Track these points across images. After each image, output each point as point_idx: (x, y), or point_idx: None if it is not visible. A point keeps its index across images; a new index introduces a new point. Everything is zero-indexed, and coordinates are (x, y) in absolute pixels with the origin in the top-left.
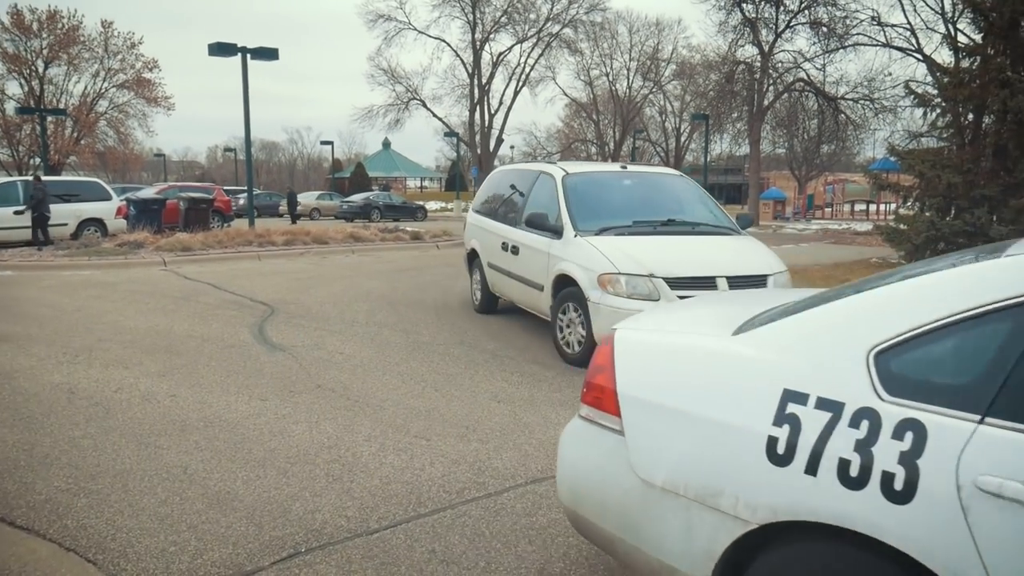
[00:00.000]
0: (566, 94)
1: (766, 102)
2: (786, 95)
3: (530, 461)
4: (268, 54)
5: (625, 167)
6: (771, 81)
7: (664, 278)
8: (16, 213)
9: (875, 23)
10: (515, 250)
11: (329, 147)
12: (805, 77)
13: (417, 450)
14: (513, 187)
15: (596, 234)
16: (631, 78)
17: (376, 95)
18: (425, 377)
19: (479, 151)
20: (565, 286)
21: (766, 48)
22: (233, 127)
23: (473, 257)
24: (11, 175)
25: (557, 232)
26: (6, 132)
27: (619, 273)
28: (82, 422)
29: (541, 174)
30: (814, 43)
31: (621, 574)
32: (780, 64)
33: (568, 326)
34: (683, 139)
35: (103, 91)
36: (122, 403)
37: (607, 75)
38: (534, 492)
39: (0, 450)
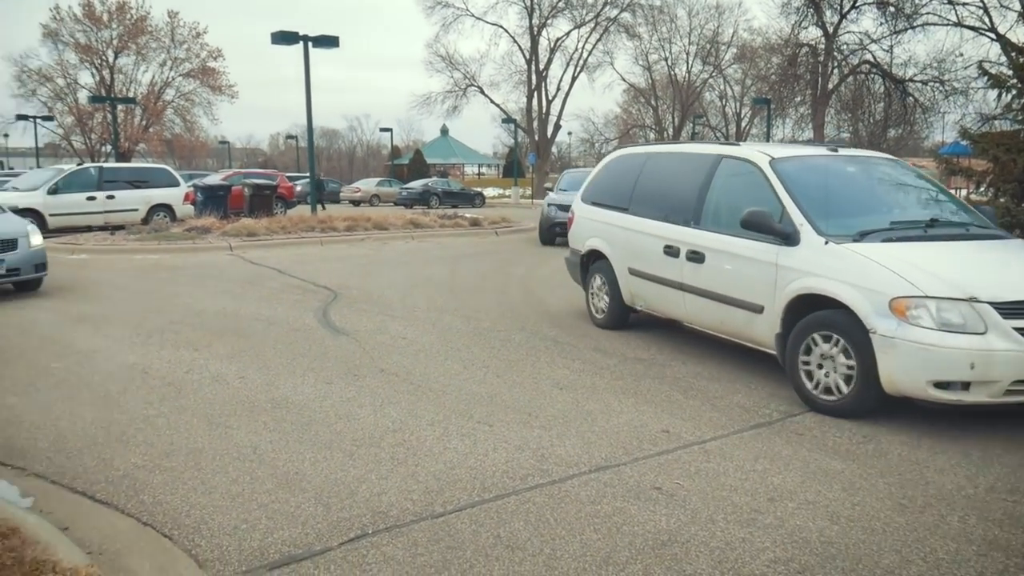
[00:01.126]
0: (624, 79)
1: (830, 85)
2: (851, 78)
3: (593, 449)
4: (329, 42)
5: (836, 149)
6: (835, 64)
7: (992, 303)
8: (89, 199)
9: (945, 2)
10: (695, 256)
11: (388, 134)
12: (871, 59)
13: (480, 435)
14: (667, 175)
15: (855, 240)
16: (690, 62)
17: (434, 82)
18: (487, 363)
19: (536, 137)
20: (811, 309)
21: (830, 30)
22: (294, 114)
23: (591, 260)
24: (84, 162)
25: (787, 237)
26: (79, 120)
27: (924, 296)
28: (156, 401)
29: (725, 159)
30: (881, 23)
31: (689, 567)
32: (845, 46)
33: (821, 364)
34: (744, 124)
35: (170, 80)
36: (193, 383)
37: (666, 59)
38: (598, 480)
39: (80, 426)
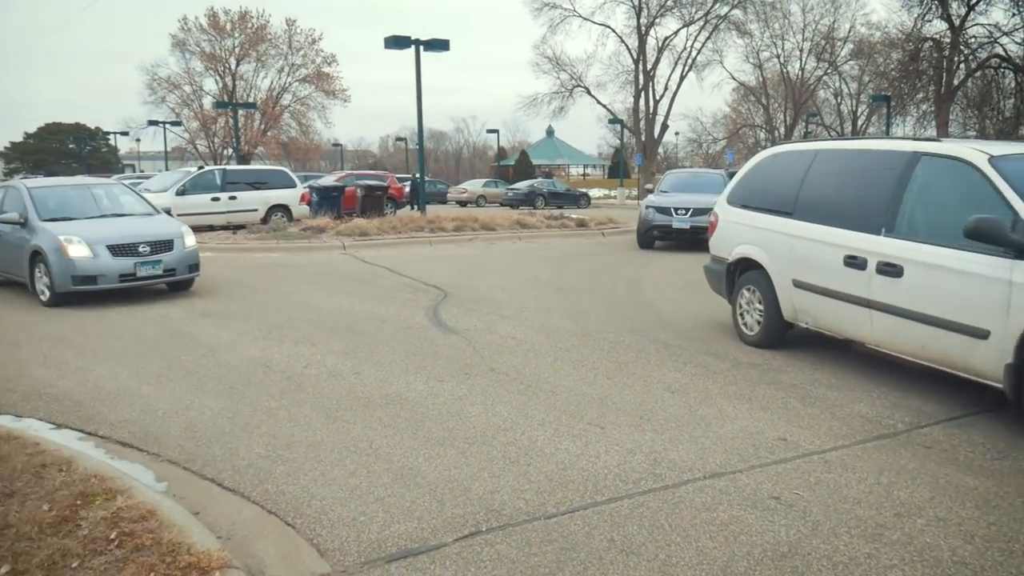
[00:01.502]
0: (734, 78)
1: (955, 81)
2: (979, 73)
3: (708, 455)
4: (440, 45)
5: None
6: (962, 58)
7: None
8: (213, 200)
9: None
10: (890, 269)
11: (494, 135)
12: (1002, 53)
13: (592, 437)
14: (845, 175)
15: None
16: (804, 59)
17: (540, 83)
18: (596, 364)
19: (643, 138)
20: None
21: (956, 22)
22: (403, 117)
23: (740, 270)
24: (207, 164)
25: (1022, 250)
26: (203, 125)
27: None
28: (277, 394)
29: (925, 157)
30: (1013, 14)
31: None
32: (973, 39)
33: None
34: (860, 122)
35: (287, 85)
36: (311, 378)
37: (778, 57)
38: (713, 487)
39: (208, 416)
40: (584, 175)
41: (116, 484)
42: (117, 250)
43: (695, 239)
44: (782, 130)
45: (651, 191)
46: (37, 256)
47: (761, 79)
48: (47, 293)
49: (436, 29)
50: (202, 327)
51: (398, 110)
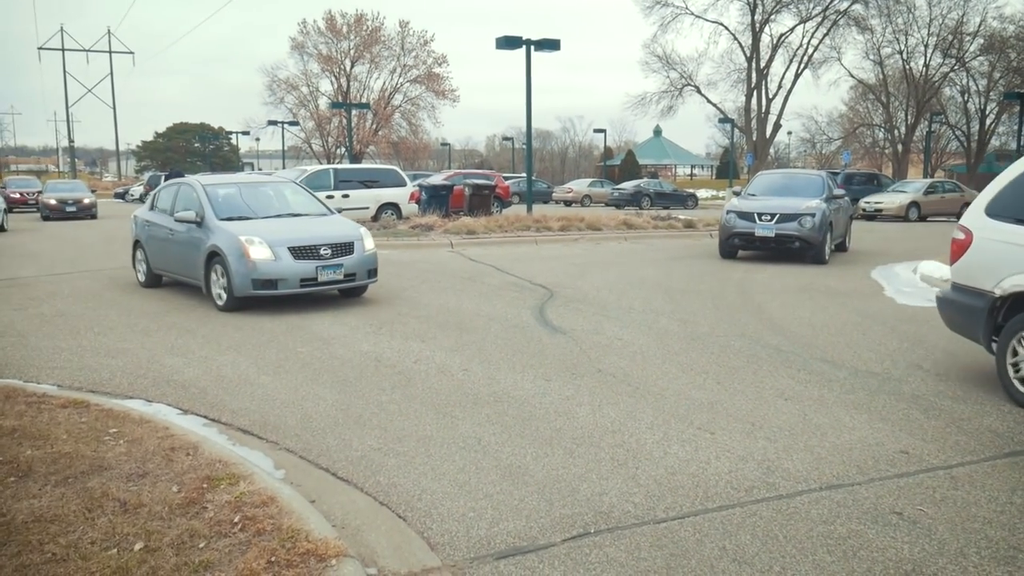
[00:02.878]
0: (852, 75)
1: None
2: None
3: (824, 465)
4: (550, 45)
5: None
6: None
7: None
8: (327, 198)
9: None
10: None
11: (600, 135)
12: None
13: (702, 443)
14: None
15: None
16: (929, 55)
17: (649, 82)
18: (706, 368)
19: (754, 137)
20: None
21: None
22: (510, 117)
23: (1013, 309)
24: (321, 163)
25: None
26: (319, 125)
27: None
28: (388, 388)
29: None
30: None
31: None
32: None
33: None
34: (988, 122)
35: (399, 86)
36: (421, 373)
37: (900, 53)
38: (830, 499)
39: (322, 407)
40: (691, 175)
41: (239, 470)
42: (299, 252)
43: (780, 249)
44: (902, 129)
45: (737, 194)
46: (214, 258)
47: (881, 76)
48: (224, 297)
49: (545, 29)
50: (317, 320)
51: (505, 110)
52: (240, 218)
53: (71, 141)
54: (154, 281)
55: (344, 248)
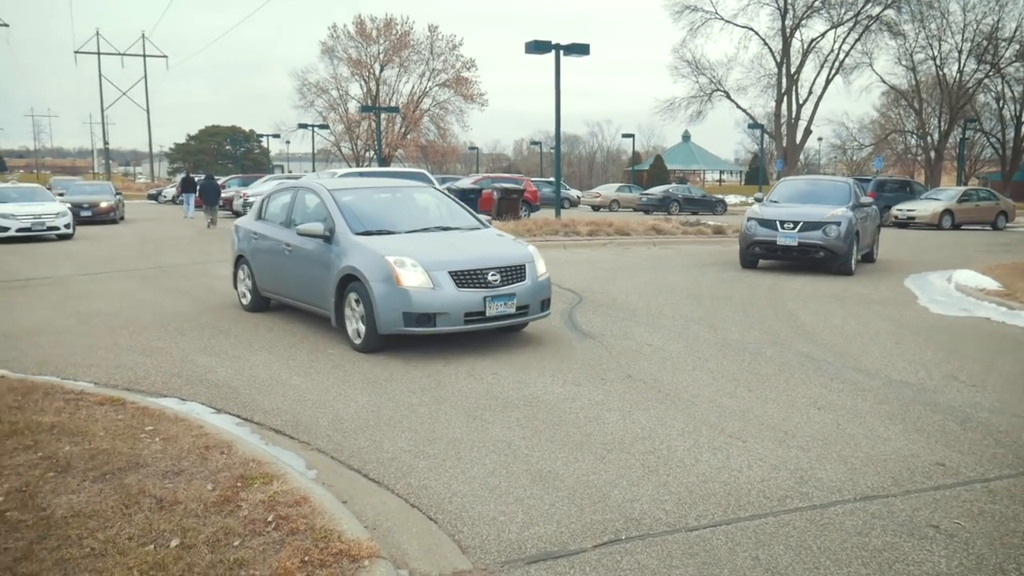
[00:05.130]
0: (884, 81)
1: None
2: None
3: (858, 476)
4: (579, 50)
5: None
6: None
7: None
8: None
9: None
10: None
11: (628, 140)
12: None
13: (733, 450)
14: None
15: None
16: (963, 61)
17: (678, 87)
18: (737, 376)
19: (784, 143)
20: None
21: None
22: (538, 120)
23: None
24: (351, 166)
25: None
26: (348, 128)
27: None
28: (418, 391)
29: None
30: None
31: None
32: None
33: None
34: None
35: (427, 90)
36: (450, 376)
37: (933, 59)
38: (865, 510)
39: (353, 409)
40: (720, 181)
41: (272, 469)
42: (463, 279)
43: (803, 259)
44: (935, 136)
45: (760, 200)
46: (350, 283)
47: (914, 82)
48: (363, 334)
49: (573, 33)
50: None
51: (533, 113)
52: (380, 232)
53: (106, 143)
54: (261, 305)
55: (514, 273)
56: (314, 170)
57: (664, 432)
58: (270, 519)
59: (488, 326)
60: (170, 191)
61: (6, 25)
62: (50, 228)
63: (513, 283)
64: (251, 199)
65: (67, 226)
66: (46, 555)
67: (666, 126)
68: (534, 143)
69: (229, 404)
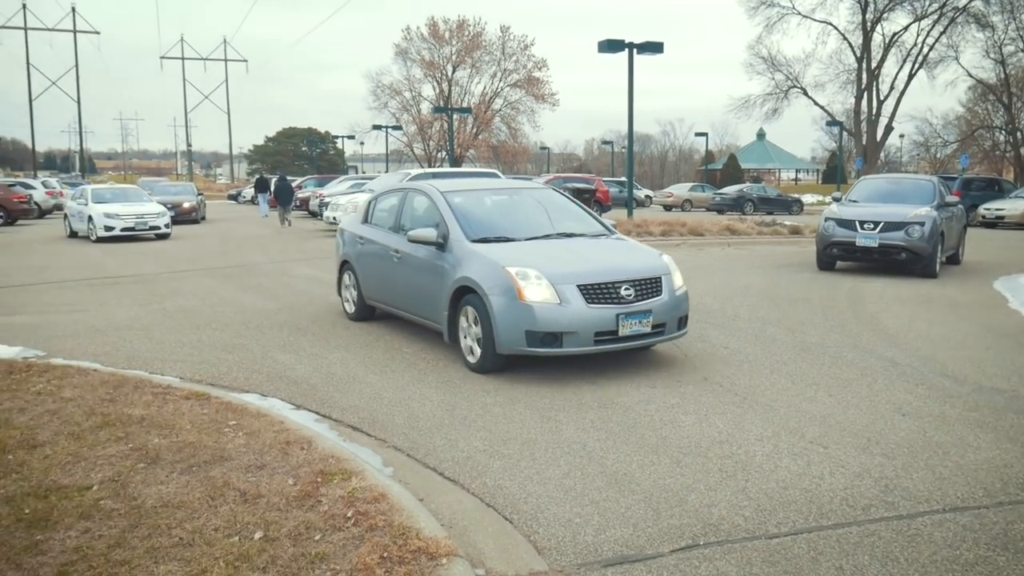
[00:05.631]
0: (971, 75)
1: None
2: None
3: (947, 486)
4: (653, 48)
5: None
6: None
7: None
8: None
9: None
10: None
11: (700, 139)
12: None
13: (814, 457)
14: None
15: None
16: None
17: (753, 84)
18: (816, 380)
19: (864, 141)
20: None
21: None
22: (609, 120)
23: None
24: (423, 166)
25: None
26: (420, 129)
27: None
28: (491, 390)
29: None
30: None
31: None
32: None
33: None
34: None
35: (499, 90)
36: (523, 376)
37: None
38: (955, 522)
39: (428, 408)
40: (796, 180)
41: (350, 466)
42: (592, 293)
43: (884, 260)
44: None
45: (838, 200)
46: (465, 295)
47: (1003, 76)
48: (479, 353)
49: (644, 30)
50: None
51: (604, 112)
52: (498, 239)
53: (188, 145)
54: (366, 313)
55: (650, 286)
56: (387, 170)
57: (742, 436)
58: (349, 515)
59: (620, 347)
60: (249, 192)
61: (97, 32)
62: (152, 228)
63: (649, 298)
64: (327, 199)
65: (167, 226)
66: (138, 543)
67: (740, 124)
68: (605, 143)
69: (308, 400)
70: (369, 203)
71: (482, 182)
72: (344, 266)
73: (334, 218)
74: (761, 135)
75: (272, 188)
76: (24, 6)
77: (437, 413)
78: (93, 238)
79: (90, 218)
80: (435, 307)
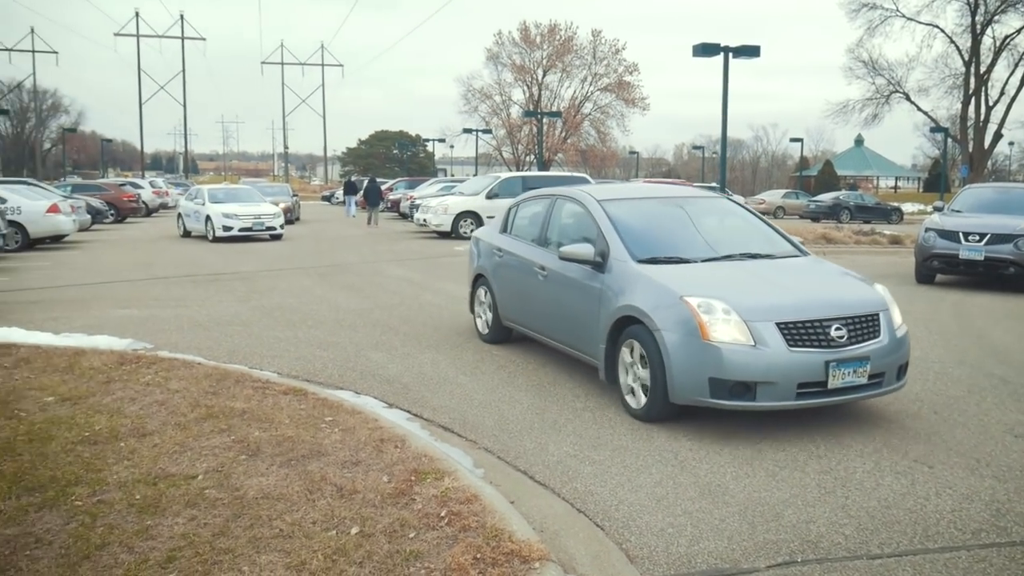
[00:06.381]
0: None
1: None
2: None
3: None
4: (749, 52)
5: None
6: None
7: None
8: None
9: None
10: None
11: (794, 144)
12: None
13: (918, 476)
14: None
15: None
16: None
17: (852, 89)
18: (920, 396)
19: (970, 148)
20: None
21: None
22: (700, 124)
23: None
24: (511, 170)
25: None
26: (510, 133)
27: None
28: (582, 395)
29: None
30: None
31: None
32: None
33: None
34: None
35: (589, 94)
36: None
37: None
38: None
39: (518, 410)
40: (895, 188)
41: (443, 465)
42: (796, 333)
43: (989, 275)
44: None
45: (940, 209)
46: (629, 326)
47: None
48: (644, 398)
49: (739, 33)
50: None
51: (694, 117)
52: (670, 260)
53: (285, 147)
54: (501, 336)
55: (866, 326)
56: (475, 173)
57: (841, 452)
58: (443, 514)
59: (828, 402)
60: (340, 193)
61: (203, 39)
62: (268, 228)
63: (865, 340)
64: (417, 201)
65: (281, 226)
66: (241, 532)
67: (836, 130)
68: (696, 147)
69: (400, 399)
70: (509, 210)
71: (640, 189)
72: (478, 280)
73: (424, 220)
74: (859, 141)
75: (363, 190)
76: (137, 14)
77: (527, 416)
78: (210, 238)
79: (208, 218)
80: (588, 337)
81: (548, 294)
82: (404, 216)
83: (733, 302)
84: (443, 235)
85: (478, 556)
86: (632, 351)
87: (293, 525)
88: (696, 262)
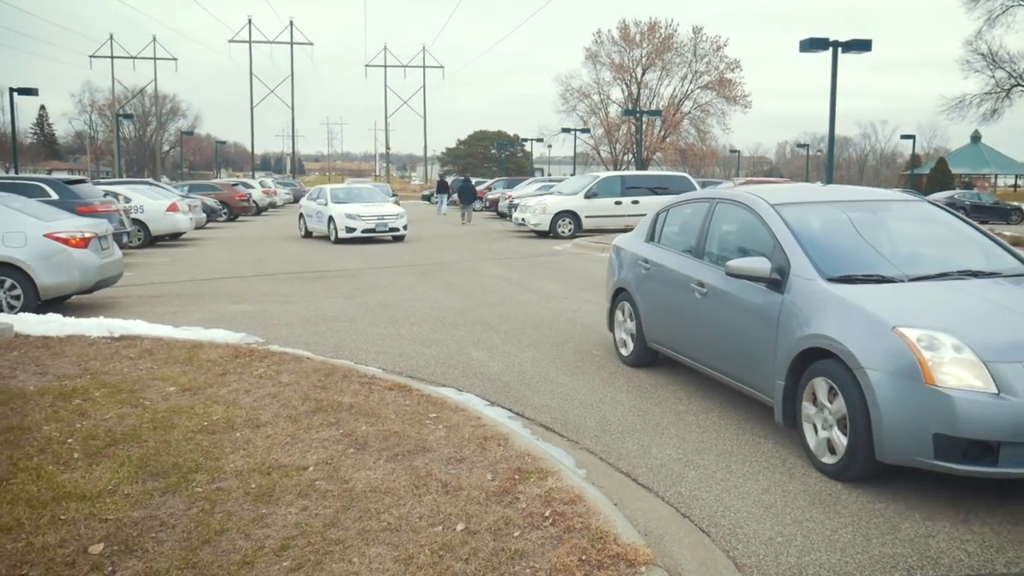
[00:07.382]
0: None
1: None
2: None
3: None
4: (860, 46)
5: None
6: None
7: None
8: (616, 203)
9: None
10: None
11: (906, 141)
12: None
13: None
14: None
15: None
16: None
17: (969, 83)
18: None
19: None
20: None
21: None
22: (803, 122)
23: None
24: (608, 169)
25: None
26: (608, 132)
27: None
28: (684, 397)
29: None
30: None
31: None
32: None
33: None
34: None
35: (688, 92)
36: (715, 383)
37: None
38: None
39: (620, 412)
40: (1015, 187)
41: (545, 465)
42: None
43: None
44: None
45: None
46: (818, 361)
47: None
48: (837, 447)
49: (845, 28)
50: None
51: (798, 114)
52: (869, 278)
53: (387, 148)
54: (646, 359)
55: None
56: (573, 173)
57: None
58: (547, 514)
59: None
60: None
61: (311, 44)
62: (391, 229)
63: None
64: (516, 201)
65: (404, 227)
66: (350, 524)
67: (951, 126)
68: (800, 145)
69: (501, 398)
70: (656, 216)
71: (818, 191)
72: (619, 295)
73: (523, 219)
74: (976, 137)
75: (458, 189)
76: (250, 20)
77: (629, 418)
78: (333, 239)
79: (331, 219)
80: (759, 370)
81: (707, 316)
82: (502, 215)
83: (964, 335)
84: (541, 235)
85: (583, 558)
86: (821, 394)
87: (400, 519)
88: (903, 281)
